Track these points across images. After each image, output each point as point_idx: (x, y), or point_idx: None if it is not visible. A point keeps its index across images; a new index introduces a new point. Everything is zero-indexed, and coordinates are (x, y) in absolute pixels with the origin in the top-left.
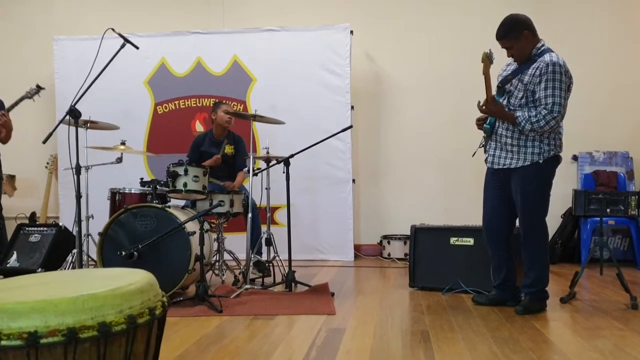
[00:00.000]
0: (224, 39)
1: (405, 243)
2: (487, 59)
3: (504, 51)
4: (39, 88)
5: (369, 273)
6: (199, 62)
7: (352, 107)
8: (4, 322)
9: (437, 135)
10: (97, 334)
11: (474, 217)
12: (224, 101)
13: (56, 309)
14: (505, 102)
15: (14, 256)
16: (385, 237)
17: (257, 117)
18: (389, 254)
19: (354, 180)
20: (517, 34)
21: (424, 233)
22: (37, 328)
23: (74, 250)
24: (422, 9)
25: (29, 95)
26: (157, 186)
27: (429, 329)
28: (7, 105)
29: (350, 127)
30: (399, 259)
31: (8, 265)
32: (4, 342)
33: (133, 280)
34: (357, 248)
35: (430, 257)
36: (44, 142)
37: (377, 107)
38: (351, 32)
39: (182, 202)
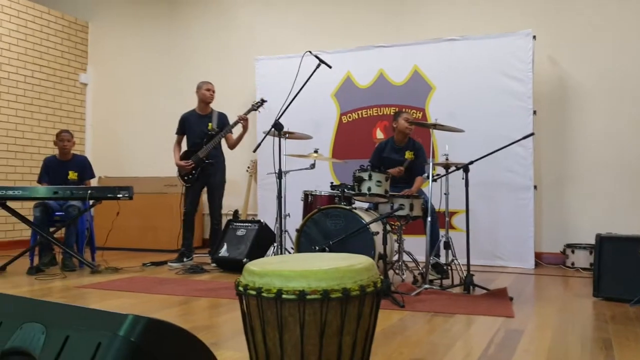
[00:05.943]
0: (404, 50)
1: (591, 253)
2: None
3: None
4: (262, 101)
5: (550, 281)
6: (381, 74)
7: (535, 112)
8: (283, 283)
9: (625, 140)
10: (341, 295)
11: None
12: (404, 110)
13: (315, 276)
14: None
15: (224, 247)
16: (569, 245)
17: (437, 126)
18: (572, 263)
19: (535, 187)
20: None
21: (610, 242)
22: (304, 288)
23: (275, 244)
24: (605, 10)
25: (255, 108)
26: (345, 189)
27: (612, 338)
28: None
29: (532, 134)
30: (584, 269)
31: (219, 255)
32: (284, 296)
33: (361, 261)
34: (538, 256)
35: (617, 267)
36: (254, 150)
37: (561, 111)
38: (534, 37)
39: (365, 205)
